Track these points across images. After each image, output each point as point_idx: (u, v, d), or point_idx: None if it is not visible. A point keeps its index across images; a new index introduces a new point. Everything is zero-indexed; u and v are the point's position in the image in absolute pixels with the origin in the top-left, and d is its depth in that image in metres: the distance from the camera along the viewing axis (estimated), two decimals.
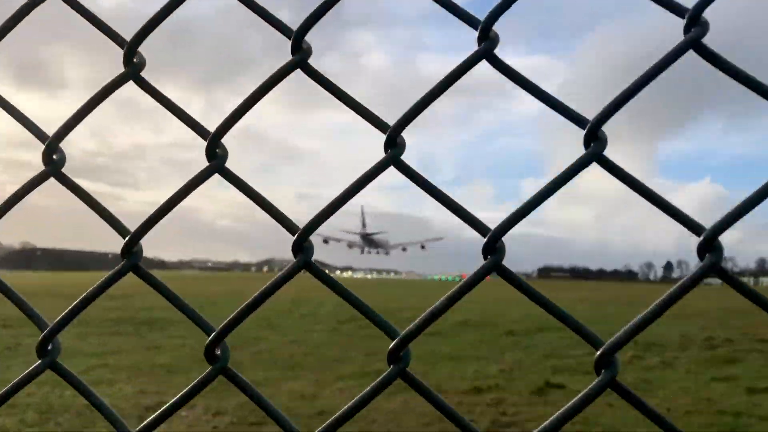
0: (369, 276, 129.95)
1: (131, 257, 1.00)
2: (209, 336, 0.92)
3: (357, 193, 0.87)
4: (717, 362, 13.19)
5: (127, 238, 0.98)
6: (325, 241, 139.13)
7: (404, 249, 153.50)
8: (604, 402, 8.96)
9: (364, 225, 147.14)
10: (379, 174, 0.87)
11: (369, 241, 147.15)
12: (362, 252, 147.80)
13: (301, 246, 0.92)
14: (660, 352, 14.42)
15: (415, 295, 40.21)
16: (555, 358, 13.35)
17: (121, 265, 0.99)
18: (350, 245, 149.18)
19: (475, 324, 20.58)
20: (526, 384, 10.20)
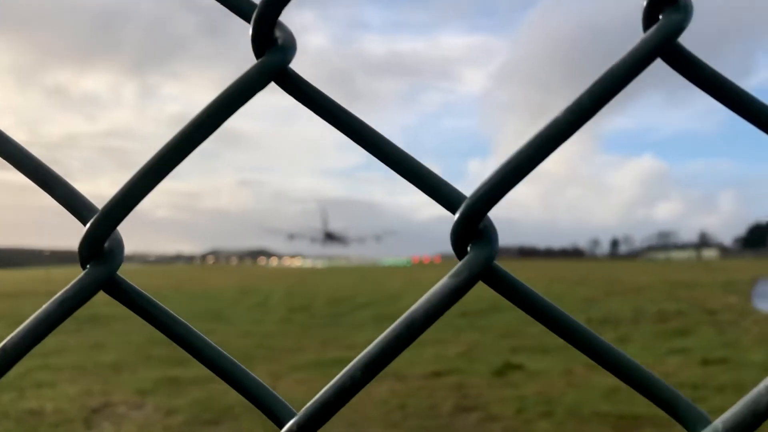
0: (318, 264, 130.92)
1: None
2: None
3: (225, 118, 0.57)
4: (670, 335, 13.65)
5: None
6: (291, 236, 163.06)
7: (361, 241, 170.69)
8: (565, 381, 9.21)
9: (325, 222, 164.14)
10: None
11: (330, 236, 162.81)
12: (323, 245, 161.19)
13: (100, 250, 0.57)
14: (614, 328, 14.85)
15: (367, 281, 40.36)
16: (512, 338, 13.61)
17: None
18: (312, 240, 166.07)
19: None
20: (486, 365, 10.37)
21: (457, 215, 0.51)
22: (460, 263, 0.52)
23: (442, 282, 0.52)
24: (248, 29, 0.52)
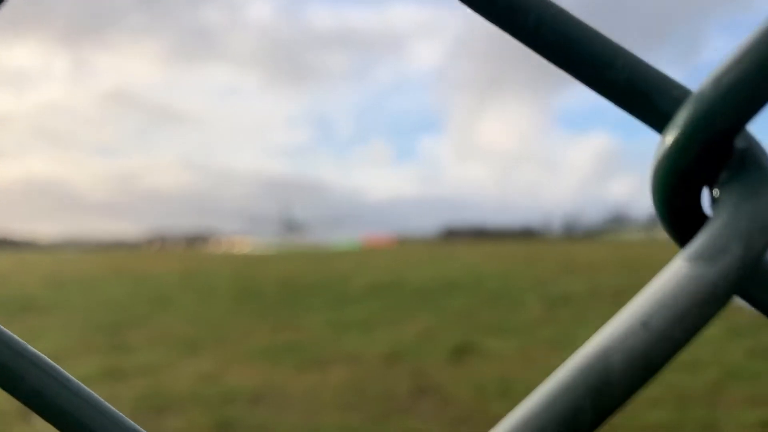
0: (268, 245, 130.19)
1: None
2: None
3: None
4: None
5: None
6: (252, 221, 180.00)
7: (318, 228, 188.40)
8: (522, 362, 9.37)
9: (287, 214, 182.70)
10: None
11: (289, 226, 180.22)
12: (285, 233, 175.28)
13: None
14: (571, 307, 15.18)
15: (317, 261, 40.32)
16: (467, 319, 13.79)
17: None
18: (273, 228, 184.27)
19: (383, 288, 20.91)
20: (442, 347, 10.49)
21: (674, 130, 0.29)
22: (708, 229, 0.29)
23: (682, 271, 0.29)
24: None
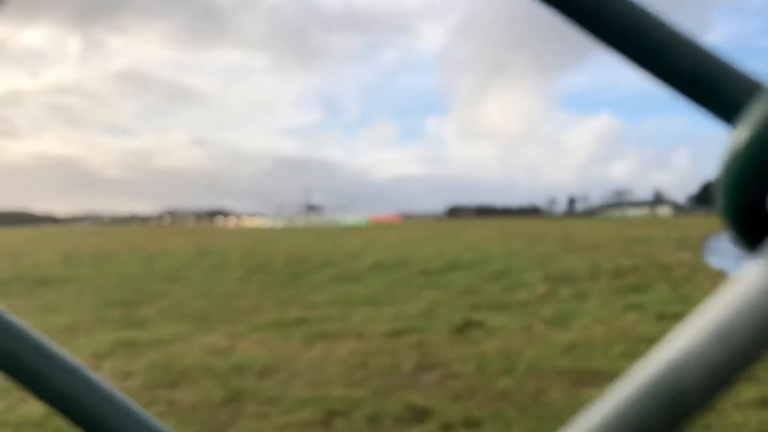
0: (278, 225, 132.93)
1: None
2: None
3: None
4: (626, 291, 14.00)
5: None
6: (278, 207, 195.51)
7: (333, 210, 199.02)
8: (524, 337, 9.39)
9: (307, 198, 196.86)
10: None
11: (310, 208, 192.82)
12: (304, 215, 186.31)
13: None
14: (572, 284, 15.18)
15: (326, 241, 40.39)
16: (471, 295, 13.80)
17: None
18: (296, 212, 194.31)
19: (388, 265, 20.94)
20: (446, 323, 10.50)
21: (749, 124, 0.27)
22: None
23: (762, 278, 0.27)
24: None
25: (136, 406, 0.42)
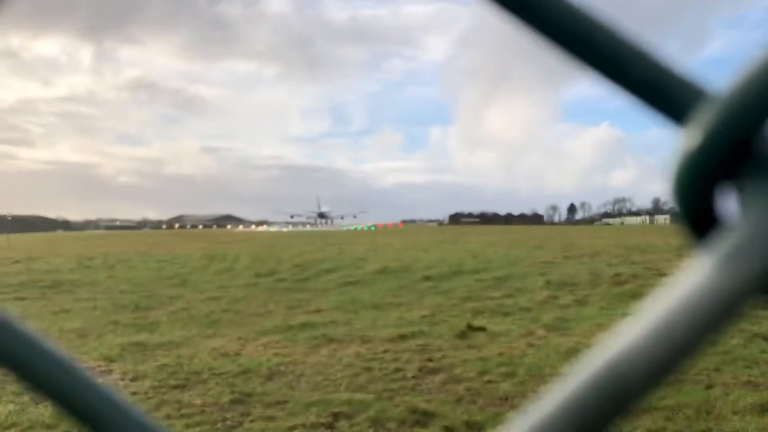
0: (285, 229, 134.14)
1: None
2: None
3: None
4: (626, 297, 13.94)
5: None
6: (292, 216, 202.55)
7: (342, 218, 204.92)
8: (526, 343, 9.36)
9: (319, 206, 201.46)
10: None
11: (321, 216, 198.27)
12: (315, 223, 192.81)
13: None
14: (573, 291, 15.13)
15: (331, 245, 40.38)
16: (473, 301, 13.77)
17: None
18: (307, 219, 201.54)
19: (393, 271, 20.92)
20: (449, 328, 10.48)
21: (696, 128, 0.29)
22: (732, 231, 0.29)
23: (704, 274, 0.28)
24: None
25: (135, 407, 0.42)
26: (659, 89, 0.31)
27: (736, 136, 0.27)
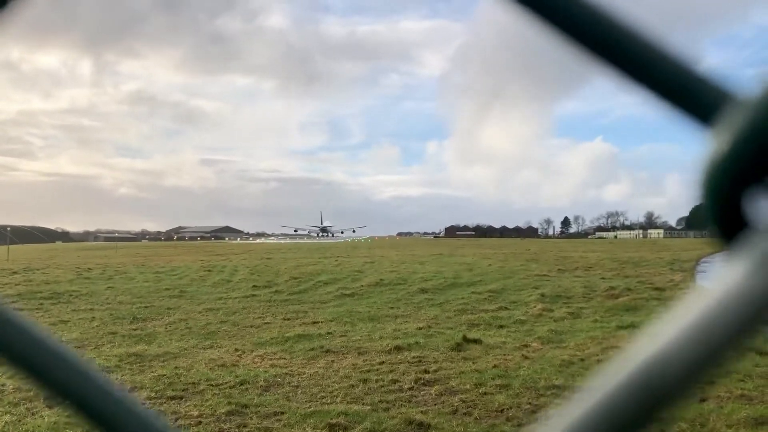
0: (283, 241, 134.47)
1: None
2: None
3: None
4: (619, 311, 13.94)
5: None
6: (295, 230, 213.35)
7: (342, 232, 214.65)
8: (521, 355, 9.33)
9: (321, 221, 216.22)
10: None
11: (323, 230, 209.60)
12: (318, 237, 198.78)
13: None
14: (567, 304, 15.11)
15: (328, 257, 40.31)
16: (469, 314, 13.74)
17: None
18: (309, 233, 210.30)
19: (389, 283, 20.88)
20: (445, 340, 10.45)
21: (728, 130, 0.28)
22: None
23: (742, 279, 0.27)
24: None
25: (148, 410, 0.42)
26: (685, 91, 0.30)
27: (767, 138, 0.26)
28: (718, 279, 0.28)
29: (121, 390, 0.43)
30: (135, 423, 0.41)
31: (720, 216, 0.29)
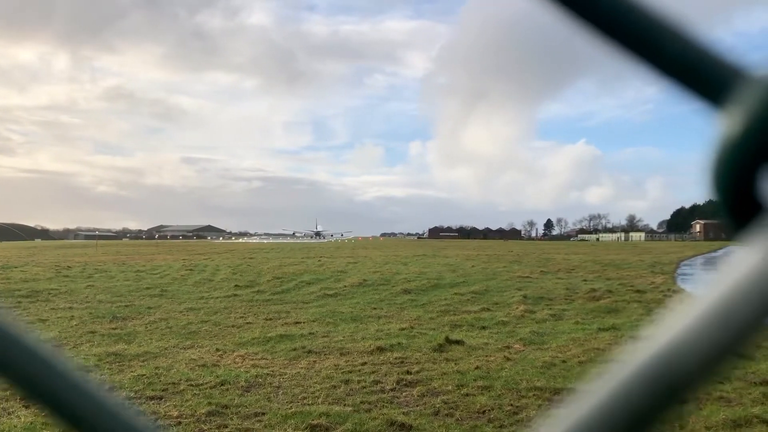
0: (265, 240, 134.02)
1: None
2: None
3: None
4: (601, 313, 14.02)
5: None
6: (293, 234, 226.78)
7: (332, 236, 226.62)
8: (503, 356, 9.35)
9: (316, 225, 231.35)
10: None
11: (317, 234, 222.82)
12: (312, 238, 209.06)
13: None
14: (549, 305, 15.18)
15: (311, 257, 40.19)
16: (451, 315, 13.75)
17: None
18: (304, 235, 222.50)
19: (372, 284, 20.86)
20: (427, 341, 10.45)
21: (741, 111, 0.27)
22: None
23: (763, 265, 0.26)
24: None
25: (129, 410, 0.41)
26: (696, 69, 0.29)
27: None
28: (734, 264, 0.27)
29: (100, 388, 0.41)
30: (114, 424, 0.40)
31: (732, 200, 0.27)
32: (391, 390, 7.61)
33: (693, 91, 0.29)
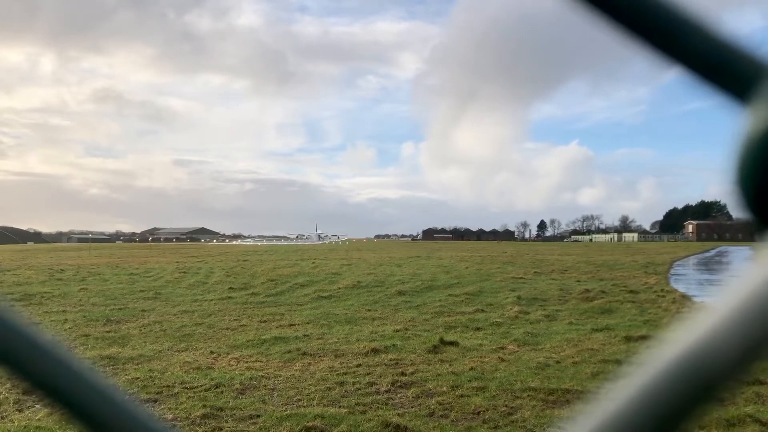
0: (259, 243, 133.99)
1: None
2: None
3: None
4: (595, 313, 14.07)
5: None
6: (298, 237, 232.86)
7: (329, 238, 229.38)
8: (497, 357, 9.36)
9: (317, 228, 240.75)
10: None
11: (318, 237, 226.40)
12: (311, 240, 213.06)
13: None
14: (543, 306, 15.22)
15: (305, 259, 40.15)
16: (446, 316, 13.77)
17: None
18: (307, 237, 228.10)
19: (366, 286, 20.86)
20: (422, 342, 10.45)
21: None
22: None
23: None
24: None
25: (142, 409, 0.41)
26: (721, 64, 0.28)
27: None
28: (761, 262, 0.27)
29: (116, 389, 0.42)
30: (134, 425, 0.40)
31: (758, 198, 0.27)
32: (386, 391, 7.61)
33: (718, 87, 0.29)
